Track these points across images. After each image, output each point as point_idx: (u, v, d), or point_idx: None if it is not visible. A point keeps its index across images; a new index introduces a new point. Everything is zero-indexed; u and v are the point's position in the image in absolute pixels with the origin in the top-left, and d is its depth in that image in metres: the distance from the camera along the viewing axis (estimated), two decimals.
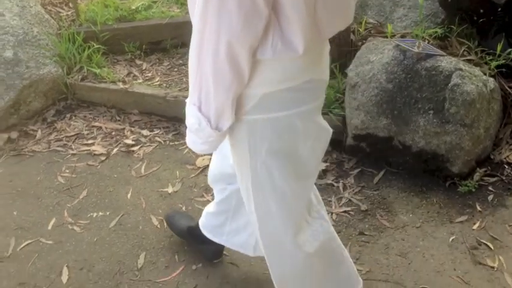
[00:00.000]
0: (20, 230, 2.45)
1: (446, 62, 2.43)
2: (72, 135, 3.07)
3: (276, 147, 1.48)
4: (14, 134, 3.10)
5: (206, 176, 2.69)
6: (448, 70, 2.40)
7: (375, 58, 2.59)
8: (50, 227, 2.45)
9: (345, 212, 2.42)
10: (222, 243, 2.05)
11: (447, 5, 2.87)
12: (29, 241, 2.38)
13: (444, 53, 2.52)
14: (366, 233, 2.31)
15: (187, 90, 3.03)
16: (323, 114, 2.68)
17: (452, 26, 2.84)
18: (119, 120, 3.17)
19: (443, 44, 2.80)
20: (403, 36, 2.87)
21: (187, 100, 1.45)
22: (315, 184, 1.75)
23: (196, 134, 1.46)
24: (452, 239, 2.24)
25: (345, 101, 2.71)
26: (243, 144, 1.49)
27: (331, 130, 1.62)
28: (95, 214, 2.51)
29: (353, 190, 2.54)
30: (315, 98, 1.48)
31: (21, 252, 2.33)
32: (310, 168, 1.59)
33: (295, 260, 1.68)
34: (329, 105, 2.77)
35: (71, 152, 2.94)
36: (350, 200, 2.48)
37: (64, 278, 2.19)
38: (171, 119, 3.11)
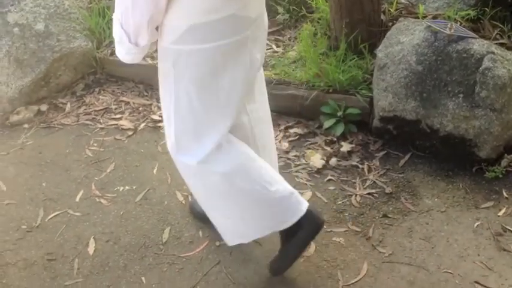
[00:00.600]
0: (49, 201, 2.50)
1: (478, 45, 2.39)
2: (101, 110, 3.11)
3: (196, 76, 1.66)
4: (43, 107, 3.15)
5: None
6: (480, 53, 2.36)
7: (405, 39, 2.56)
8: (77, 199, 2.50)
9: (369, 194, 2.42)
10: None
11: None
12: (57, 212, 2.43)
13: (476, 36, 2.47)
14: (389, 215, 2.30)
15: None
16: (350, 94, 2.71)
17: (486, 9, 2.78)
18: (146, 96, 3.19)
19: (476, 27, 2.75)
20: (434, 18, 2.81)
21: (113, 15, 1.63)
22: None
23: (120, 45, 1.65)
24: (477, 225, 2.23)
25: (372, 82, 2.69)
26: (169, 71, 1.69)
27: (258, 67, 1.80)
28: (121, 188, 2.55)
29: (378, 172, 2.53)
30: (237, 32, 1.63)
31: (50, 222, 2.39)
32: (230, 97, 1.74)
33: (210, 178, 1.84)
34: (356, 86, 2.75)
35: (99, 126, 2.99)
36: (374, 182, 2.48)
37: (91, 249, 2.24)
38: None
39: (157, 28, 1.64)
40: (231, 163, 1.82)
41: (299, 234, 1.90)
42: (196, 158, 1.81)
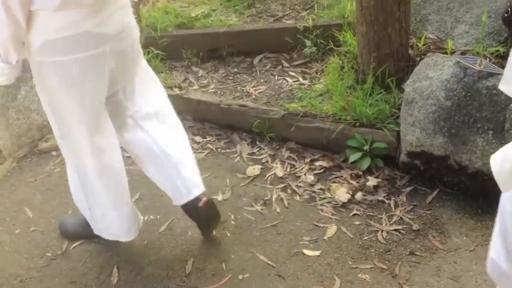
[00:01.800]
0: None
1: None
2: None
3: (56, 85, 1.89)
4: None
5: (256, 185, 2.71)
6: None
7: (434, 74, 2.54)
8: None
9: (395, 230, 2.38)
10: None
11: (510, 23, 2.78)
12: (82, 241, 2.44)
13: None
14: (417, 253, 2.26)
15: (241, 98, 3.06)
16: (377, 128, 2.69)
17: None
18: None
19: (505, 63, 2.71)
20: (463, 53, 2.80)
21: None
22: None
23: None
24: None
25: (400, 117, 2.67)
26: (35, 80, 1.96)
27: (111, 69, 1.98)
28: (146, 217, 2.55)
29: (405, 208, 2.49)
30: (92, 47, 1.84)
31: (74, 251, 2.40)
32: (92, 103, 1.96)
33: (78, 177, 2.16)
34: (383, 120, 2.73)
35: (126, 154, 3.00)
36: (401, 219, 2.44)
37: (114, 279, 2.23)
38: (224, 126, 3.13)
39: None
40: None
41: None
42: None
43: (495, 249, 1.46)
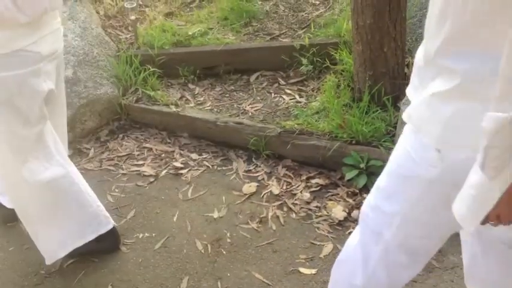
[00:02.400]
0: None
1: None
2: (124, 155, 3.13)
3: None
4: (68, 151, 3.18)
5: (252, 202, 2.70)
6: None
7: None
8: None
9: None
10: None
11: None
12: (77, 258, 2.42)
13: None
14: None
15: (238, 116, 3.06)
16: (373, 146, 2.69)
17: None
18: (169, 143, 3.21)
19: None
20: None
21: None
22: None
23: None
24: None
25: (396, 135, 2.68)
26: None
27: (48, 88, 2.08)
28: (141, 235, 2.54)
29: None
30: (28, 65, 1.96)
31: (68, 268, 2.38)
32: (32, 118, 2.06)
33: (23, 188, 2.18)
34: (379, 138, 2.74)
35: (122, 171, 3.00)
36: None
37: None
38: (220, 144, 3.13)
39: None
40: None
41: (98, 242, 2.35)
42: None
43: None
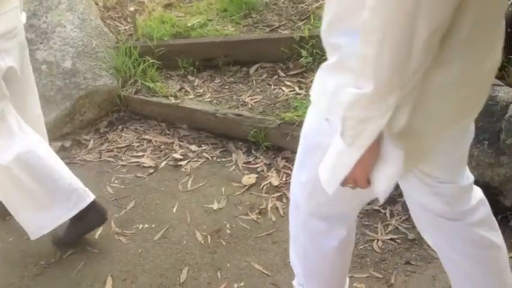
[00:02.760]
0: None
1: (503, 93, 2.37)
2: (123, 147, 3.13)
3: None
4: (67, 143, 3.19)
5: (251, 194, 2.71)
6: (505, 101, 2.34)
7: None
8: (97, 236, 2.49)
9: (391, 239, 2.38)
10: None
11: (507, 35, 2.80)
12: (76, 249, 2.42)
13: (502, 83, 2.46)
14: (412, 262, 2.25)
15: (237, 107, 3.06)
16: None
17: (510, 56, 2.77)
18: (168, 134, 3.21)
19: (501, 74, 2.73)
20: None
21: None
22: None
23: None
24: None
25: None
26: None
27: (7, 66, 2.14)
28: (140, 226, 2.54)
29: (400, 218, 2.49)
30: None
31: (67, 259, 2.38)
32: None
33: None
34: None
35: (121, 163, 3.00)
36: (397, 228, 2.44)
37: (108, 287, 2.22)
38: (219, 135, 3.13)
39: None
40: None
41: (84, 221, 2.35)
42: None
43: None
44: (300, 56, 3.39)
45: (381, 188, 1.31)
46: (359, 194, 1.44)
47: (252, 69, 3.51)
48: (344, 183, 1.31)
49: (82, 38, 3.36)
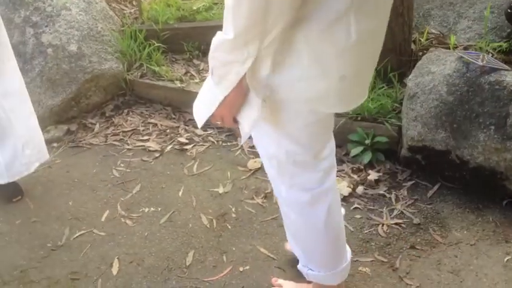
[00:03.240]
0: (75, 220, 2.52)
1: (510, 77, 2.36)
2: (129, 131, 3.14)
3: None
4: (73, 126, 3.19)
5: (257, 178, 2.71)
6: None
7: (437, 69, 2.54)
8: (103, 219, 2.51)
9: (396, 224, 2.38)
10: None
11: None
12: (83, 231, 2.44)
13: (509, 68, 2.44)
14: (417, 247, 2.26)
15: None
16: (378, 123, 2.69)
17: None
18: (174, 118, 3.22)
19: (508, 59, 2.72)
20: (466, 48, 2.80)
21: None
22: None
23: None
24: (508, 259, 2.17)
25: (402, 111, 2.67)
26: None
27: None
28: (146, 209, 2.55)
29: (406, 202, 2.49)
30: None
31: (75, 241, 2.40)
32: None
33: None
34: (385, 114, 2.73)
35: (127, 147, 3.01)
36: (402, 212, 2.44)
37: (114, 270, 2.23)
38: None
39: None
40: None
41: None
42: None
43: None
44: None
45: (244, 129, 1.46)
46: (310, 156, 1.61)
47: None
48: (213, 119, 1.45)
49: (87, 21, 3.35)
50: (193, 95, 3.22)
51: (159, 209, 2.56)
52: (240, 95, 1.38)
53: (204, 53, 3.51)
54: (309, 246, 1.84)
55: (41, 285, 2.18)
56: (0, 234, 2.46)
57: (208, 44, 1.36)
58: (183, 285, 2.15)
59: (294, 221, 1.79)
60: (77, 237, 2.42)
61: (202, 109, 1.47)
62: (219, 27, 3.53)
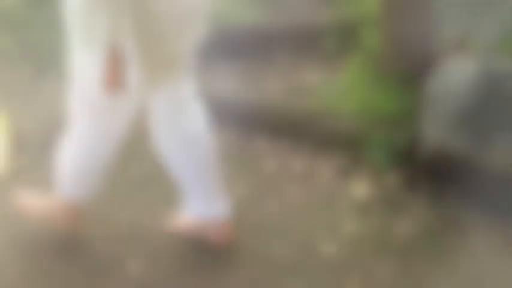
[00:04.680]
0: None
1: None
2: None
3: None
4: None
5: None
6: None
7: (459, 72, 2.50)
8: None
9: (414, 228, 2.34)
10: None
11: None
12: None
13: None
14: (435, 253, 2.22)
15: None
16: (399, 126, 2.65)
17: None
18: None
19: None
20: (488, 51, 2.75)
21: None
22: None
23: None
24: None
25: (423, 114, 2.63)
26: None
27: None
28: None
29: (425, 207, 2.45)
30: None
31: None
32: None
33: None
34: (406, 117, 2.70)
35: None
36: (421, 217, 2.40)
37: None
38: None
39: None
40: None
41: None
42: None
43: None
44: (325, 41, 3.35)
45: None
46: None
47: (275, 55, 3.48)
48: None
49: None
50: None
51: None
52: None
53: None
54: None
55: None
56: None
57: None
58: None
59: None
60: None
61: None
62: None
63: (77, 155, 2.03)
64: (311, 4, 3.66)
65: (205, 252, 2.22)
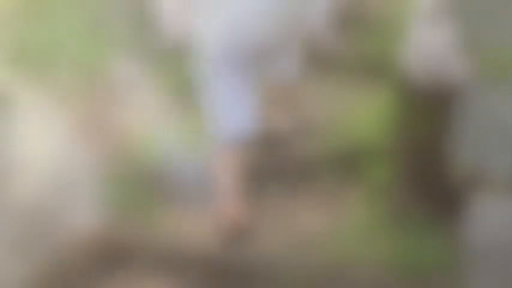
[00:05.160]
0: None
1: None
2: None
3: None
4: None
5: None
6: None
7: (497, 213, 2.12)
8: None
9: None
10: None
11: None
12: None
13: None
14: None
15: None
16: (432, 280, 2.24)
17: None
18: None
19: None
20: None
21: None
22: None
23: None
24: None
25: (460, 269, 2.20)
26: None
27: None
28: None
29: None
30: None
31: None
32: None
33: None
34: (439, 270, 2.32)
35: None
36: None
37: None
38: None
39: None
40: None
41: None
42: None
43: None
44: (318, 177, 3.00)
45: None
46: None
47: None
48: None
49: None
50: None
51: None
52: None
53: None
54: None
55: None
56: None
57: None
58: None
59: None
60: None
61: None
62: None
63: None
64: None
65: None
